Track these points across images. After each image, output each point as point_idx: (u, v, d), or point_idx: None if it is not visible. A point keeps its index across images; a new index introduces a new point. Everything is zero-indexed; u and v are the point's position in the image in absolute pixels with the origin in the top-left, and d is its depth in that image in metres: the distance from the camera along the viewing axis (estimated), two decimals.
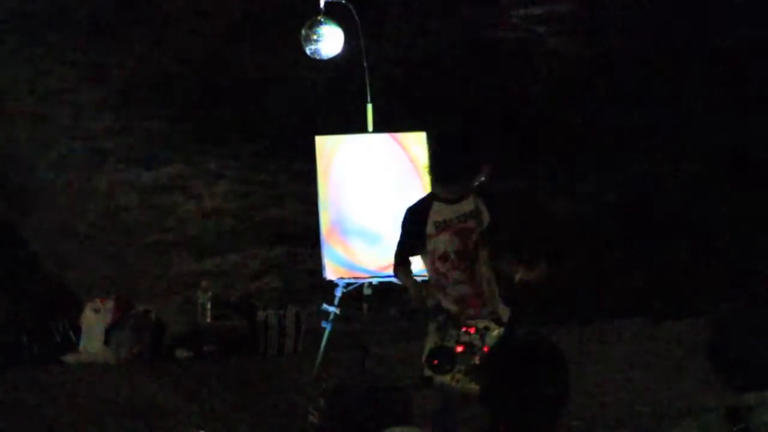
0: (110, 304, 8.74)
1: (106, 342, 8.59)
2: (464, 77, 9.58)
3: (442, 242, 5.39)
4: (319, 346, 7.70)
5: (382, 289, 7.65)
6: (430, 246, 5.41)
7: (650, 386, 7.47)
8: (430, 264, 5.46)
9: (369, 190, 7.71)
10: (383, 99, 7.84)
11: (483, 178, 5.44)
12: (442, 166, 5.50)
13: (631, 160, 9.64)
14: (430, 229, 5.43)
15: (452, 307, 5.33)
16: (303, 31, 7.69)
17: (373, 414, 6.29)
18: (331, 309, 7.64)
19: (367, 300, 7.59)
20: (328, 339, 7.66)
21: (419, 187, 7.63)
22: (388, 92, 8.49)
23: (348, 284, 7.68)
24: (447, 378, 5.07)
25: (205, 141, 9.56)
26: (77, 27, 9.42)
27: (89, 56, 9.46)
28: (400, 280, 5.81)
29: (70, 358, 8.53)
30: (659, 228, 9.46)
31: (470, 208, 5.38)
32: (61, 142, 9.50)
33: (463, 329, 5.17)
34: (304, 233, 9.01)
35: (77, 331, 8.70)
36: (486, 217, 5.36)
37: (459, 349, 5.11)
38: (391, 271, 7.56)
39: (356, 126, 7.85)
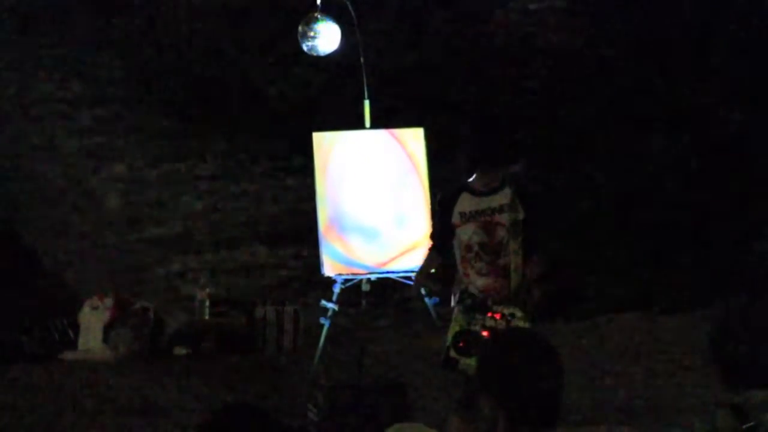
0: (109, 301, 8.74)
1: (105, 339, 8.59)
2: (461, 73, 9.57)
3: (467, 233, 5.43)
4: (317, 343, 7.70)
5: (380, 285, 7.66)
6: (456, 235, 5.47)
7: (649, 381, 7.48)
8: (456, 252, 5.51)
9: (367, 186, 7.71)
10: (380, 95, 7.85)
11: (518, 169, 5.49)
12: (481, 148, 5.50)
13: (629, 154, 9.63)
14: (455, 218, 5.47)
15: (477, 294, 5.38)
16: (300, 28, 7.69)
17: (371, 410, 6.30)
18: (330, 305, 7.64)
19: (365, 296, 7.60)
20: (327, 335, 7.67)
21: (417, 182, 7.65)
22: (385, 88, 8.49)
23: (346, 280, 7.69)
24: (471, 361, 5.07)
25: (202, 138, 9.55)
26: (73, 24, 9.40)
27: (85, 54, 9.45)
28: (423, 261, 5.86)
29: (68, 355, 8.53)
30: (658, 222, 9.46)
31: (503, 201, 5.40)
32: (57, 141, 9.49)
33: (489, 314, 5.21)
34: (302, 230, 9.01)
35: (76, 328, 8.70)
36: (521, 212, 5.39)
37: (484, 333, 5.14)
38: (389, 267, 7.63)
39: (354, 122, 7.85)
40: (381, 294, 8.14)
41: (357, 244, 7.72)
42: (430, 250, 5.72)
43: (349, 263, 7.72)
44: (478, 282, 5.40)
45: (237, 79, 9.53)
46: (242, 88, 9.53)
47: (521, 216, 5.37)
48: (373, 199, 7.71)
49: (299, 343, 8.73)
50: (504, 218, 5.38)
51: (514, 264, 5.37)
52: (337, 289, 7.66)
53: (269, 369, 8.17)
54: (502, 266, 5.37)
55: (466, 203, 5.46)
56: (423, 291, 7.66)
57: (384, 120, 7.80)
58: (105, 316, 8.68)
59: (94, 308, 8.72)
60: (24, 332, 8.62)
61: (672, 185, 9.54)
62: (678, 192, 9.48)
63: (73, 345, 8.65)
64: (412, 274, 7.60)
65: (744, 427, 2.92)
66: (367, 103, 7.75)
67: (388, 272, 7.68)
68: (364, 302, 7.62)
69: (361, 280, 7.64)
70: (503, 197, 5.41)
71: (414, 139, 7.64)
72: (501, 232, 5.38)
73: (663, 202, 9.47)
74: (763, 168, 9.35)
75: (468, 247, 5.43)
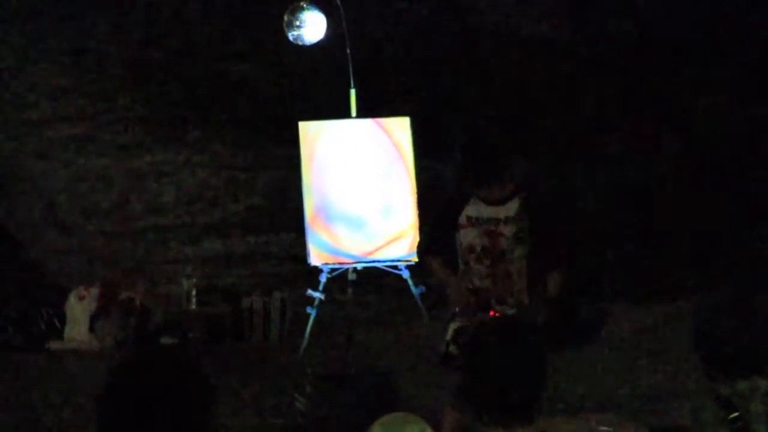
0: (95, 291, 8.74)
1: (91, 329, 8.59)
2: (448, 62, 9.56)
3: (471, 236, 5.47)
4: (304, 332, 7.71)
5: (367, 274, 7.67)
6: (460, 236, 5.50)
7: (635, 371, 7.49)
8: (459, 252, 5.54)
9: (353, 175, 7.72)
10: (366, 84, 7.84)
11: (518, 173, 5.50)
12: (474, 171, 5.53)
13: (618, 144, 9.63)
14: (462, 219, 5.49)
15: (480, 290, 5.43)
16: (286, 17, 7.69)
17: (358, 399, 6.32)
18: (316, 294, 7.66)
19: (352, 285, 7.62)
20: (313, 324, 7.68)
21: (403, 172, 7.67)
22: (371, 77, 8.48)
23: (332, 270, 7.70)
24: None
25: (188, 127, 9.53)
26: (55, 13, 9.36)
27: (68, 43, 9.40)
28: (432, 273, 5.85)
29: (54, 345, 8.53)
30: (643, 213, 9.48)
31: (509, 213, 5.44)
32: (42, 130, 9.45)
33: (491, 313, 5.26)
34: (289, 219, 9.00)
35: (62, 318, 8.70)
36: (527, 221, 5.43)
37: None
38: (375, 256, 7.64)
39: (340, 111, 7.85)
40: (367, 283, 8.14)
41: (343, 233, 7.73)
42: (431, 258, 5.73)
43: (336, 252, 7.73)
44: (478, 283, 5.43)
45: (223, 68, 9.51)
46: (228, 77, 9.51)
47: (526, 224, 5.41)
48: (359, 188, 7.72)
49: (286, 333, 8.73)
50: (507, 230, 5.41)
51: (518, 267, 5.42)
52: (323, 278, 7.67)
53: (256, 358, 8.17)
54: (504, 271, 5.41)
55: (473, 208, 5.49)
56: (411, 282, 7.69)
57: (370, 109, 7.80)
58: (91, 306, 8.68)
59: (80, 298, 8.72)
60: (10, 322, 8.61)
61: (655, 173, 9.55)
62: (662, 180, 9.50)
63: (59, 335, 8.65)
64: (398, 263, 7.64)
65: (729, 417, 2.93)
66: (353, 92, 7.75)
67: (374, 261, 7.70)
68: (350, 291, 7.64)
69: (347, 270, 7.65)
70: (510, 209, 5.44)
71: (400, 128, 7.65)
72: (503, 243, 5.42)
73: (648, 190, 9.49)
74: (758, 166, 9.37)
75: (470, 249, 5.47)
